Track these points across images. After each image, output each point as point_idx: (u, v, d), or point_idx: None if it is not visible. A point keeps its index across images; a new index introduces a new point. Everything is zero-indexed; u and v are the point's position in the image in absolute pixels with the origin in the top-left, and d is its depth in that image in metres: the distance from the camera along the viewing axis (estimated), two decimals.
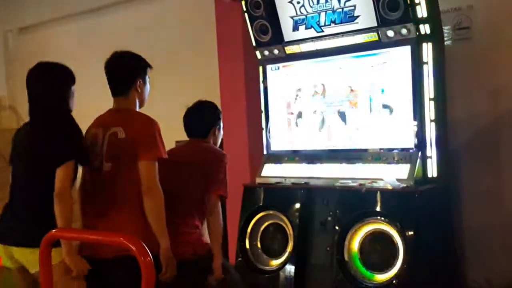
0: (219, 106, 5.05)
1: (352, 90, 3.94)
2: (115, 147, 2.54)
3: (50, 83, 2.65)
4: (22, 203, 2.62)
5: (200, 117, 3.22)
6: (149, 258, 1.80)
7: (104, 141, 2.58)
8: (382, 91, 3.79)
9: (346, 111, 3.98)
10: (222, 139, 4.47)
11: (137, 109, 2.72)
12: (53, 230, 2.21)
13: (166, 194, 2.69)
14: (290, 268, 3.88)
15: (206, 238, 3.07)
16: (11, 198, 2.70)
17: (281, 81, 4.33)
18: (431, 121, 3.63)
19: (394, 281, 3.41)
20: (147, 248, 1.82)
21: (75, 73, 2.74)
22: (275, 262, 4.03)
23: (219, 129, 3.27)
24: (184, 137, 5.85)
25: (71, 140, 2.57)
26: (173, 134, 5.69)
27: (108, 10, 6.82)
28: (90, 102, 7.20)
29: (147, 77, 2.74)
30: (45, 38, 7.65)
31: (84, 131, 2.71)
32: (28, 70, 2.70)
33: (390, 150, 3.75)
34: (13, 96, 8.31)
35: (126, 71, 2.70)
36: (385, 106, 3.78)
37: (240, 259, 4.14)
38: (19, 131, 2.77)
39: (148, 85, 2.76)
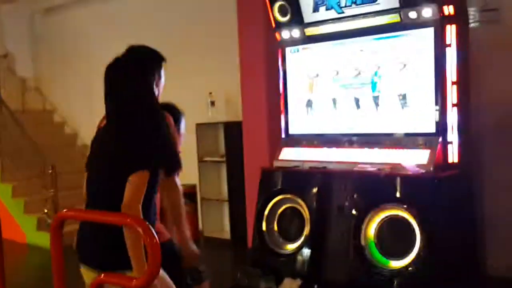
0: (240, 89, 5.06)
1: (372, 73, 3.86)
2: None
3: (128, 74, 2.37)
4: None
5: None
6: (155, 240, 1.79)
7: None
8: (404, 74, 3.70)
9: (366, 94, 3.91)
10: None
11: None
12: (64, 210, 2.21)
13: None
14: (307, 252, 3.86)
15: None
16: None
17: (300, 64, 4.27)
18: (453, 105, 3.53)
19: (409, 268, 3.37)
20: (153, 230, 1.81)
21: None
22: (291, 246, 4.01)
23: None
24: (205, 120, 5.89)
25: (149, 142, 2.18)
26: (194, 117, 5.73)
27: None
28: None
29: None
30: (71, 19, 7.70)
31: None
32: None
33: (410, 135, 3.67)
34: (39, 77, 8.41)
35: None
36: (406, 90, 3.69)
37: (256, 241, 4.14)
38: (97, 132, 2.39)
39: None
